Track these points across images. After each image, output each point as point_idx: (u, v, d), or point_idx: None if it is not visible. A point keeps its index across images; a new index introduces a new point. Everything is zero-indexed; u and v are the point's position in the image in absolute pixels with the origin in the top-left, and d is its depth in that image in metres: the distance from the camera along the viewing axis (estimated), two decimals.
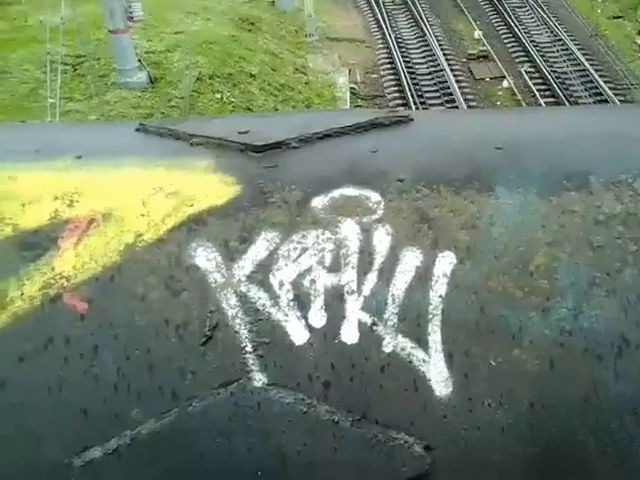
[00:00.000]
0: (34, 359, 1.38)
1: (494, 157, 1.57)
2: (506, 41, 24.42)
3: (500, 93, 21.24)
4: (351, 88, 21.70)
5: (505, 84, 21.39)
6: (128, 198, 1.51)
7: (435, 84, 21.50)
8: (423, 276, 1.38)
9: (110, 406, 1.35)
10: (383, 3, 27.75)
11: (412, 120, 1.75)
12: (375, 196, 1.48)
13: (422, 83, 21.63)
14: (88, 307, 1.39)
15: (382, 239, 1.42)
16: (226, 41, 20.83)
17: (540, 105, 19.39)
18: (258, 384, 1.34)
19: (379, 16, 26.54)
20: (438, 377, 1.33)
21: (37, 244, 1.46)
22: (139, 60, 17.39)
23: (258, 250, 1.42)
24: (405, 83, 21.11)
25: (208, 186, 1.52)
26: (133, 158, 1.63)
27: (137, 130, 1.78)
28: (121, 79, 16.97)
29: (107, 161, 1.63)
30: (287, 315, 1.37)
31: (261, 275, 1.39)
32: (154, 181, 1.54)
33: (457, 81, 21.24)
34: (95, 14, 18.51)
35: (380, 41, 25.00)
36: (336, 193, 1.49)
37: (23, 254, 1.45)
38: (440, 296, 1.36)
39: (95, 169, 1.60)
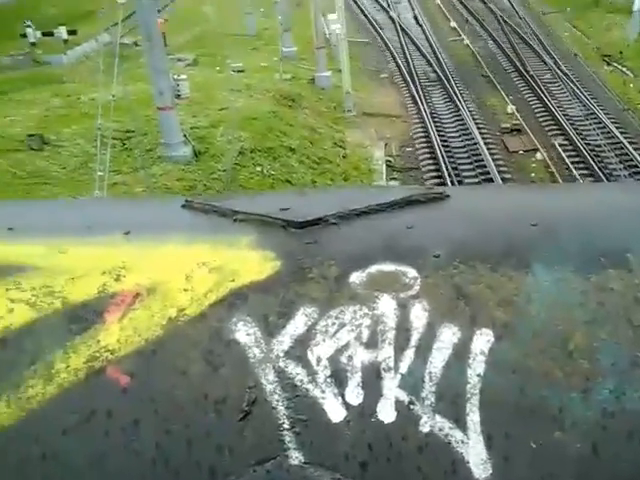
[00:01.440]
0: (77, 432, 1.39)
1: (530, 233, 1.58)
2: (539, 115, 24.62)
3: (534, 165, 21.26)
4: (387, 161, 22.01)
5: (539, 156, 21.44)
6: (172, 273, 1.55)
7: (469, 157, 21.69)
8: (460, 354, 1.36)
9: None
10: (418, 79, 28.42)
11: (447, 196, 1.78)
12: (412, 272, 1.48)
13: (457, 156, 21.83)
14: (130, 380, 1.41)
15: (419, 315, 1.41)
16: (267, 116, 21.50)
17: (574, 177, 19.33)
18: (295, 462, 1.32)
19: (414, 92, 27.13)
20: (477, 459, 1.29)
21: (84, 317, 1.49)
22: (184, 135, 18.01)
23: (297, 325, 1.42)
24: (440, 156, 21.31)
25: (250, 261, 1.55)
26: (179, 234, 1.68)
27: (183, 206, 1.84)
28: (167, 153, 17.56)
29: (154, 237, 1.68)
30: (324, 392, 1.36)
31: (299, 351, 1.39)
32: (198, 256, 1.58)
33: (491, 154, 21.38)
34: (145, 92, 19.34)
35: (415, 116, 25.46)
36: (373, 269, 1.49)
37: (70, 327, 1.48)
38: (478, 375, 1.34)
39: (142, 244, 1.65)
